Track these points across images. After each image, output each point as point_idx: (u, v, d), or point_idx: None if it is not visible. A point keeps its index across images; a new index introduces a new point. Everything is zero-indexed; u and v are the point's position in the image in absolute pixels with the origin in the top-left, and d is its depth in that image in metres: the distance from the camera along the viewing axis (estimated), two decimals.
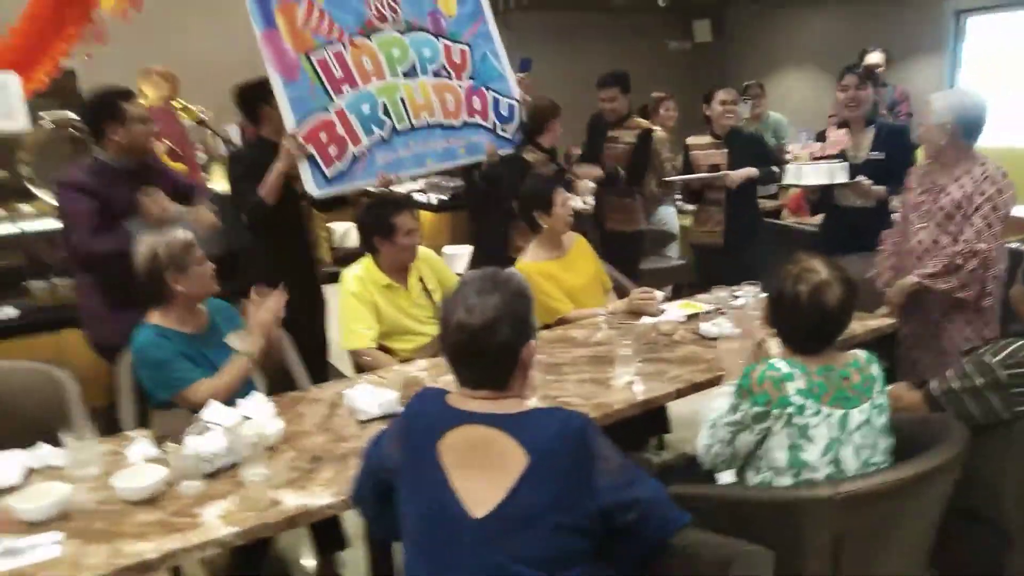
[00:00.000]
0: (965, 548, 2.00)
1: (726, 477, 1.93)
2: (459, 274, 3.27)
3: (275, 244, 3.35)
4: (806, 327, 1.70)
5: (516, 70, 4.12)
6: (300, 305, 2.84)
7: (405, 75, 3.66)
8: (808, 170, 3.46)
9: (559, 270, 3.10)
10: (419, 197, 6.29)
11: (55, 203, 3.14)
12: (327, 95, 3.38)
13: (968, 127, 2.67)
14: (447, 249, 5.68)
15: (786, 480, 1.68)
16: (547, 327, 2.90)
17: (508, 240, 3.99)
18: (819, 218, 3.89)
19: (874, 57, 5.26)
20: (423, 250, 3.05)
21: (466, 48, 3.92)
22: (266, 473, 1.80)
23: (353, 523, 2.49)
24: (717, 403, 1.87)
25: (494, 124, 4.00)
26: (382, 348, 2.87)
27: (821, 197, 3.59)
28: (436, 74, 3.78)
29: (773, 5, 7.30)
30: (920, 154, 3.18)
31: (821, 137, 3.49)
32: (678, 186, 4.43)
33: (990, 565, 2.00)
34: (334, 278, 3.07)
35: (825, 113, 5.44)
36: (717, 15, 7.70)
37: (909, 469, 1.56)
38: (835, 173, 3.39)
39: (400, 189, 4.45)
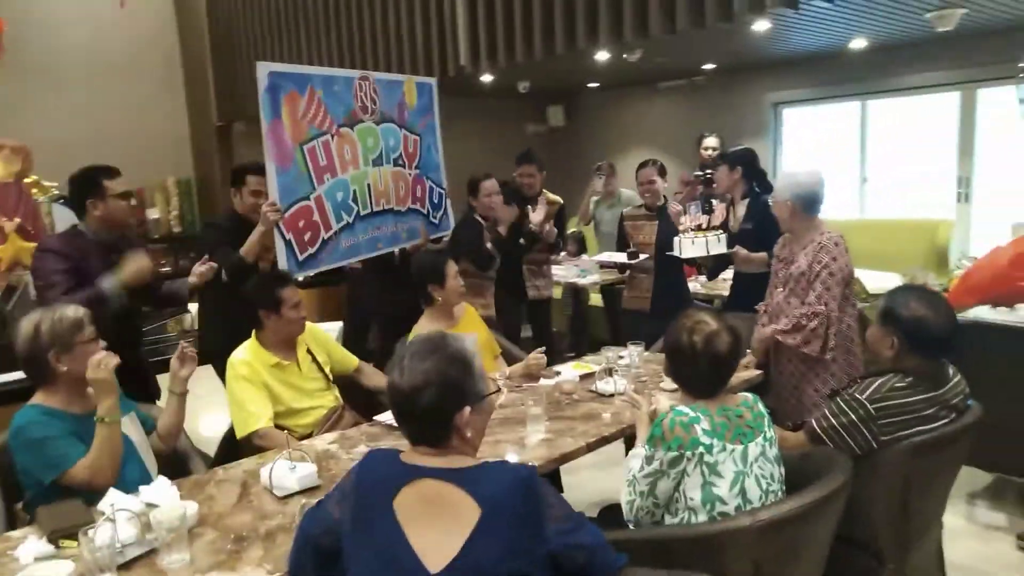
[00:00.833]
0: (845, 571, 2.22)
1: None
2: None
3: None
4: (703, 373, 1.88)
5: None
6: None
7: (374, 163, 3.91)
8: (687, 243, 3.77)
9: None
10: None
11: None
12: (311, 183, 3.52)
13: (806, 202, 2.99)
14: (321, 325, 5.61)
15: (702, 516, 1.82)
16: None
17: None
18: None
19: (711, 141, 5.86)
20: (309, 325, 3.03)
21: (418, 138, 4.23)
22: (187, 559, 1.71)
23: None
24: (632, 463, 2.01)
25: (428, 211, 4.31)
26: (278, 427, 2.79)
27: (715, 265, 3.92)
28: (395, 162, 4.06)
29: (617, 93, 7.97)
30: None
31: (708, 209, 3.78)
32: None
33: None
34: None
35: (668, 190, 5.97)
36: (568, 101, 8.29)
37: (812, 495, 1.75)
38: (711, 245, 3.71)
39: None
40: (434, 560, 1.36)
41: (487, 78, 5.86)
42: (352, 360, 3.20)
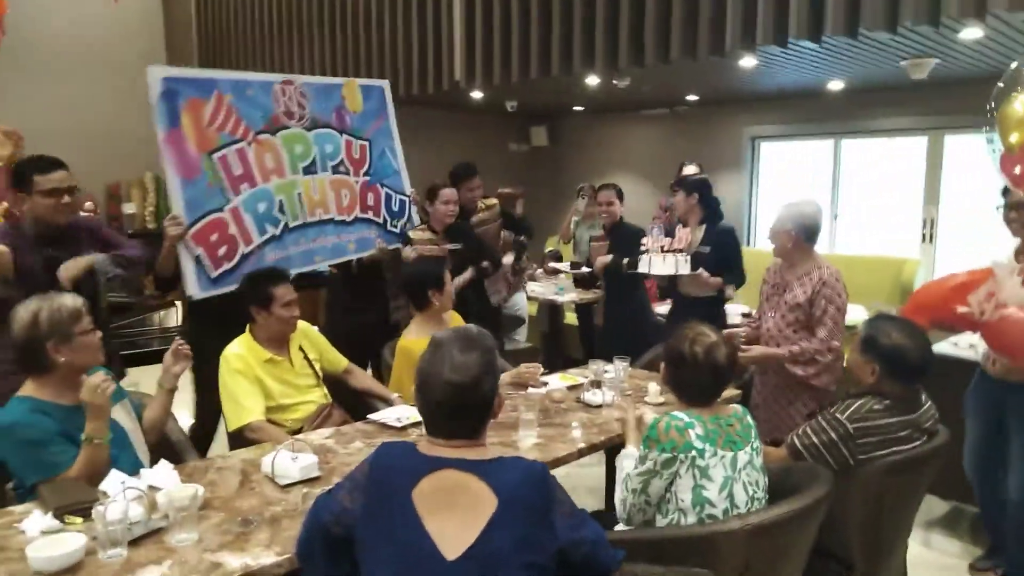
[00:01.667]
0: None
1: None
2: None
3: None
4: (702, 381, 1.99)
5: None
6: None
7: (305, 171, 3.69)
8: (657, 261, 3.93)
9: None
10: None
11: None
12: (224, 195, 3.34)
13: (808, 232, 3.09)
14: None
15: (691, 518, 1.92)
16: None
17: (388, 313, 4.12)
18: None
19: (690, 168, 6.02)
20: (302, 323, 3.08)
21: (366, 144, 4.03)
22: (195, 537, 1.75)
23: None
24: (625, 463, 2.10)
25: (385, 220, 4.11)
26: (270, 422, 2.82)
27: (668, 285, 4.05)
28: (335, 170, 3.85)
29: (601, 117, 8.14)
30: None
31: (670, 233, 3.97)
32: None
33: None
34: None
35: (645, 213, 6.14)
36: (552, 122, 8.45)
37: (799, 502, 1.86)
38: (680, 265, 3.87)
39: None
40: (451, 548, 1.42)
41: (477, 94, 5.96)
42: (342, 361, 3.24)
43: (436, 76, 5.32)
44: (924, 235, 5.94)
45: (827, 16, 3.64)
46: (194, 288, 3.25)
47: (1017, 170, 2.79)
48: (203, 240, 3.27)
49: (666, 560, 1.81)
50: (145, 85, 3.17)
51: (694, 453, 1.90)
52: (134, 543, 1.73)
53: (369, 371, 3.78)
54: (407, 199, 4.22)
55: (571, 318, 5.95)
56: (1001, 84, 3.01)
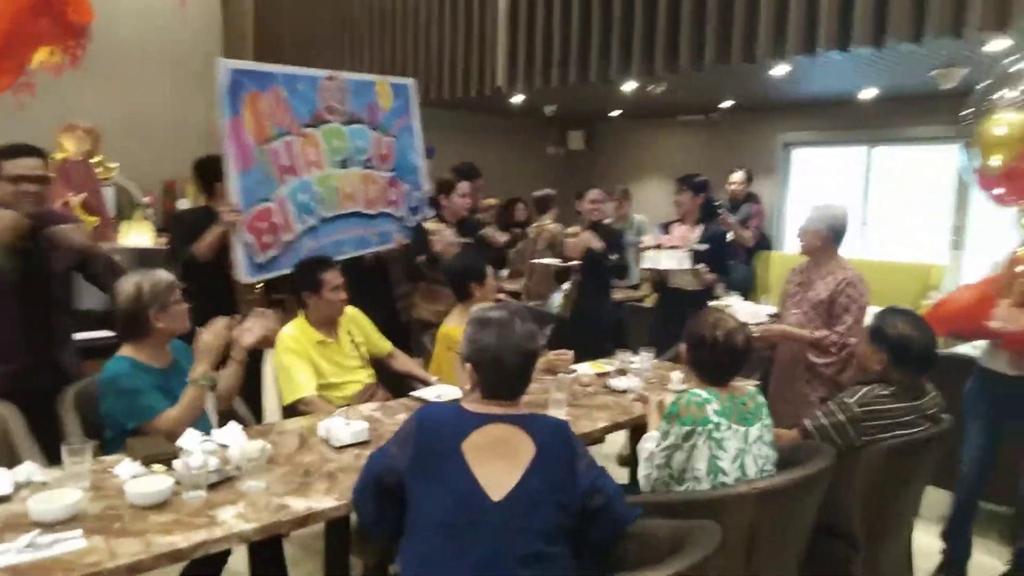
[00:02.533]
0: (823, 558, 2.49)
1: None
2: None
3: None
4: (720, 362, 2.18)
5: None
6: None
7: (341, 164, 3.85)
8: (664, 255, 4.14)
9: None
10: None
11: None
12: (273, 184, 3.50)
13: (838, 234, 3.23)
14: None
15: (705, 485, 2.11)
16: None
17: (408, 302, 4.30)
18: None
19: (737, 175, 6.15)
20: (350, 309, 3.32)
21: (392, 140, 4.15)
22: (263, 485, 1.99)
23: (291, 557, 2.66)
24: (647, 444, 2.31)
25: (404, 215, 4.24)
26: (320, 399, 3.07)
27: (660, 280, 4.26)
28: (365, 164, 4.00)
29: (637, 122, 8.32)
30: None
31: (666, 229, 4.22)
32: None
33: (841, 567, 2.48)
34: None
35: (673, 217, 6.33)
36: (589, 127, 8.65)
37: (802, 472, 2.04)
38: (683, 260, 4.09)
39: None
40: (496, 491, 1.65)
41: (517, 99, 6.19)
42: (387, 345, 3.48)
43: (479, 80, 5.56)
44: (953, 241, 6.01)
45: (854, 27, 3.79)
46: (243, 274, 3.42)
47: (997, 191, 2.91)
48: (252, 228, 3.43)
49: None
50: (203, 83, 3.42)
51: (711, 426, 2.10)
52: (211, 488, 1.97)
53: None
54: (424, 196, 4.36)
55: None
56: (972, 108, 3.07)
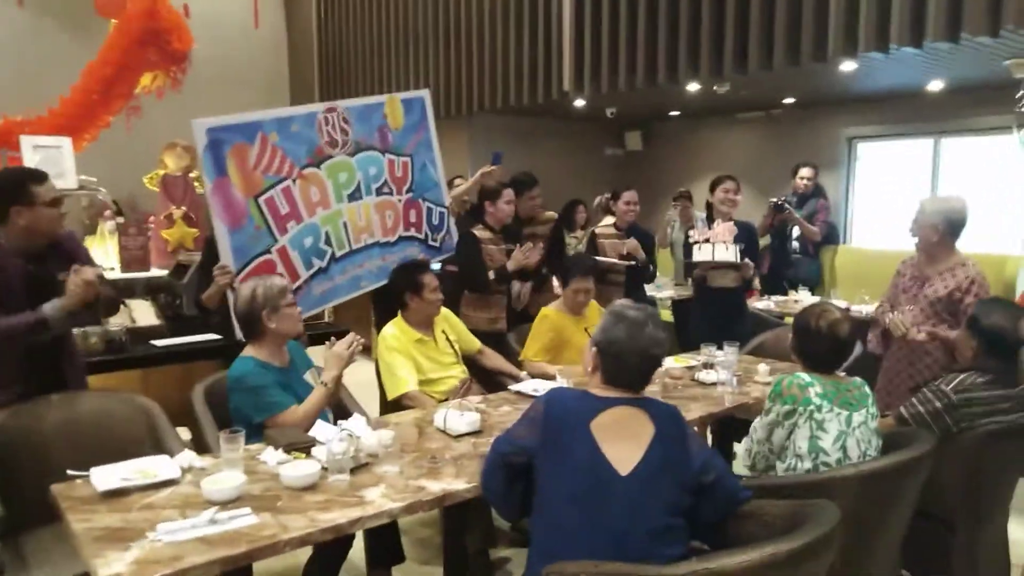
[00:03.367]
0: (921, 541, 2.56)
1: None
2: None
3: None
4: (825, 351, 2.29)
5: (490, 163, 4.35)
6: None
7: (350, 198, 3.70)
8: (719, 249, 4.26)
9: (572, 324, 3.72)
10: None
11: None
12: (271, 235, 3.36)
13: (955, 227, 3.11)
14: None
15: (807, 463, 2.23)
16: None
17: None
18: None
19: (805, 171, 6.15)
20: (443, 309, 3.52)
21: (408, 160, 3.99)
22: (397, 469, 2.17)
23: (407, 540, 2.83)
24: (756, 422, 2.42)
25: (426, 235, 4.11)
26: None
27: (700, 275, 4.37)
28: (379, 191, 3.85)
29: (695, 122, 8.37)
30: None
31: (709, 224, 4.36)
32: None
33: (939, 549, 2.56)
34: None
35: (741, 216, 6.34)
36: (646, 127, 8.73)
37: (906, 455, 2.13)
38: (733, 254, 4.21)
39: None
40: (623, 466, 1.80)
41: (579, 103, 6.32)
42: (476, 343, 3.66)
43: (545, 86, 5.71)
44: None
45: (928, 22, 3.83)
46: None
47: None
48: None
49: None
50: (271, 98, 3.56)
51: (812, 407, 2.21)
52: (352, 472, 2.16)
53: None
54: (446, 211, 4.22)
55: (665, 315, 6.22)
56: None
